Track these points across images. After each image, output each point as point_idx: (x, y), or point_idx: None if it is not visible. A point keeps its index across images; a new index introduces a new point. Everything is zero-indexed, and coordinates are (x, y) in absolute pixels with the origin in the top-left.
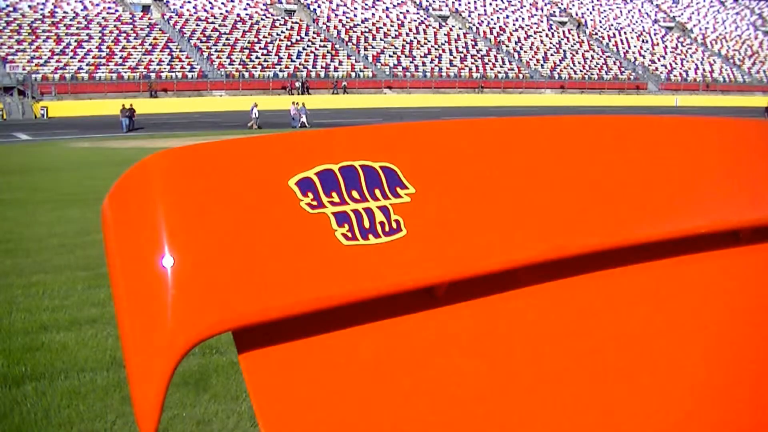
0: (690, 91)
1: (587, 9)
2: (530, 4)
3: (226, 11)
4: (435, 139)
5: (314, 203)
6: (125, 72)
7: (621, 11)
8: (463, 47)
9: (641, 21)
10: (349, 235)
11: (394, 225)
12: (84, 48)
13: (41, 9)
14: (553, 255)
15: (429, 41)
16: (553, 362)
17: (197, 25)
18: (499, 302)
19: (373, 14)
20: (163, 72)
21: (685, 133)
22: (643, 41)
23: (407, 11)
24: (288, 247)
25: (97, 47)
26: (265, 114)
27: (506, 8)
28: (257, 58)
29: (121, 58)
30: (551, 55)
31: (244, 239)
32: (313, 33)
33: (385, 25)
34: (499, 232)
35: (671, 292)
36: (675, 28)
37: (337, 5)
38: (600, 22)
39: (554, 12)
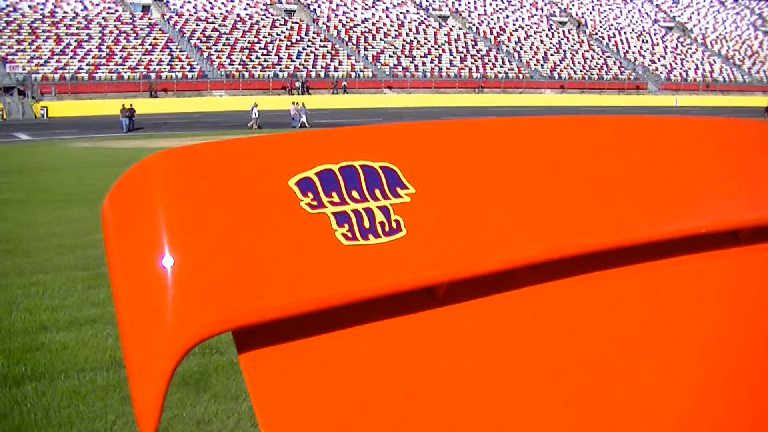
0: (690, 91)
1: (587, 9)
2: (530, 4)
3: (226, 11)
4: (435, 139)
5: (314, 203)
6: (125, 72)
7: (621, 11)
8: (463, 47)
9: (641, 21)
10: (349, 235)
11: (394, 225)
12: (84, 48)
13: (41, 9)
14: (553, 255)
15: (429, 41)
16: (553, 362)
17: (197, 25)
18: (499, 302)
19: (373, 14)
20: (163, 72)
21: (685, 133)
22: (643, 41)
23: (407, 11)
24: (288, 247)
25: (97, 47)
26: (265, 114)
27: (506, 8)
28: (257, 58)
29: (121, 58)
30: (551, 55)
31: (244, 239)
32: (313, 33)
33: (385, 25)
34: (499, 232)
35: (671, 292)
36: (675, 28)
37: (337, 5)
38: (600, 22)
39: (554, 12)
